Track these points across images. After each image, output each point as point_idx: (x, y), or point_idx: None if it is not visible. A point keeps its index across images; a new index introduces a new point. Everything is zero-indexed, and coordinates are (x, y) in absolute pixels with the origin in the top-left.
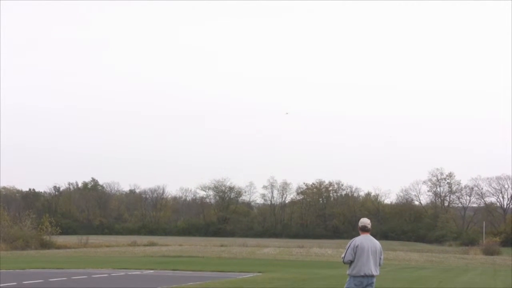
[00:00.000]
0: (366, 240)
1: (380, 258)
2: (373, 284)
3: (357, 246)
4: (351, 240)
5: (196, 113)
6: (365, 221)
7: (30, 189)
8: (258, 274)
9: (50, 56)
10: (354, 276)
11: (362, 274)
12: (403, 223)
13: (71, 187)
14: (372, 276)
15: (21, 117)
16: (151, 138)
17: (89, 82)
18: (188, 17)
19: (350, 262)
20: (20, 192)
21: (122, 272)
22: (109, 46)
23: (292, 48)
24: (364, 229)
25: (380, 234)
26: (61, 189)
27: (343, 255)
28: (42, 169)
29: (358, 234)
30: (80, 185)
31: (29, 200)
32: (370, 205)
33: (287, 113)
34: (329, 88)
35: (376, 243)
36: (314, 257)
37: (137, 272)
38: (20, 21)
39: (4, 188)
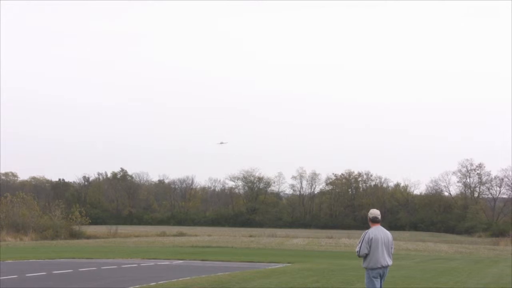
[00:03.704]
0: (378, 232)
1: (392, 248)
2: (387, 273)
3: (371, 239)
4: (364, 233)
5: (225, 104)
6: (375, 212)
7: (59, 179)
8: (288, 264)
9: (85, 47)
10: (372, 269)
11: (379, 266)
12: (432, 214)
13: (100, 177)
14: (388, 266)
15: (53, 108)
16: (179, 128)
17: (122, 74)
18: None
19: (366, 255)
20: (49, 182)
21: (151, 262)
22: (140, 34)
23: (311, 36)
24: (375, 220)
25: (409, 225)
26: (90, 179)
27: (357, 249)
28: (72, 159)
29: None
30: (109, 175)
31: (59, 190)
32: (400, 196)
33: (221, 143)
34: (359, 77)
35: (388, 233)
36: (343, 247)
37: (167, 262)
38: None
39: (34, 178)
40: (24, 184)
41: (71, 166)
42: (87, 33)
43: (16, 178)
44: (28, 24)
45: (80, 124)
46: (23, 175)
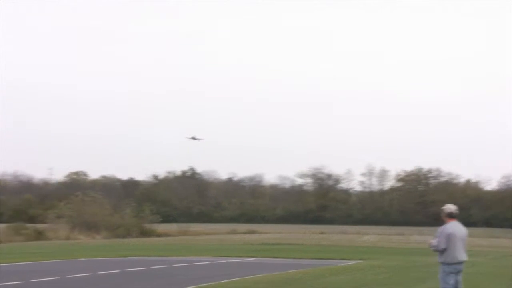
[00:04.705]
0: (455, 227)
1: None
2: (462, 269)
3: (449, 234)
4: (442, 228)
5: (293, 100)
6: (451, 207)
7: (130, 178)
8: (359, 261)
9: (149, 46)
10: (449, 264)
11: (456, 261)
12: (506, 210)
13: (170, 175)
14: (464, 261)
15: (120, 107)
16: (248, 125)
17: (191, 69)
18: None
19: (443, 250)
20: (119, 180)
21: (223, 260)
22: (216, 32)
23: (398, 32)
24: (451, 215)
25: (482, 221)
26: (160, 177)
27: (434, 243)
28: (142, 157)
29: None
30: (178, 173)
31: (129, 189)
32: (471, 192)
33: (193, 138)
34: (428, 71)
35: (464, 229)
36: (415, 244)
37: (238, 260)
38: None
39: (104, 177)
40: (94, 183)
41: (141, 165)
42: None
43: (86, 177)
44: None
45: (149, 123)
46: (94, 174)
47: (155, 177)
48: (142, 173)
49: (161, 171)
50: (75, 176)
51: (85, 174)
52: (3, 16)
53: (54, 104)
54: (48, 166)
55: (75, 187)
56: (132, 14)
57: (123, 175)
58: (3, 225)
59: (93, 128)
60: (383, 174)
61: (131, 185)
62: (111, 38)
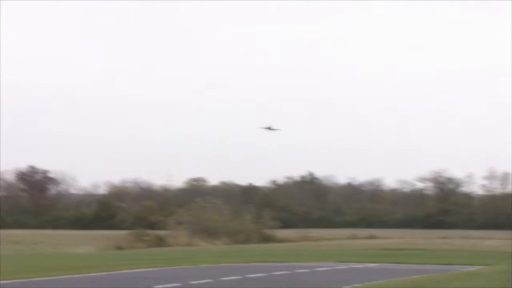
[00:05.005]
0: None
1: None
2: None
3: None
4: None
5: (413, 103)
6: None
7: (249, 184)
8: (483, 267)
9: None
10: None
11: None
12: None
13: (289, 180)
14: None
15: (241, 112)
16: (367, 129)
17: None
18: None
19: None
20: (239, 186)
21: (344, 266)
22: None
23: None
24: None
25: None
26: (279, 183)
27: None
28: (261, 163)
29: None
30: (297, 178)
31: (249, 195)
32: None
33: (269, 128)
34: None
35: None
36: None
37: (360, 266)
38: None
39: (223, 183)
40: (214, 189)
41: (260, 170)
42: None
43: (206, 183)
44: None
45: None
46: (213, 180)
47: (274, 182)
48: (261, 179)
49: (280, 177)
50: (194, 183)
51: (204, 180)
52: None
53: (172, 112)
54: (168, 173)
55: (195, 194)
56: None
57: (242, 181)
58: (125, 232)
59: (211, 134)
60: (505, 177)
61: (250, 190)
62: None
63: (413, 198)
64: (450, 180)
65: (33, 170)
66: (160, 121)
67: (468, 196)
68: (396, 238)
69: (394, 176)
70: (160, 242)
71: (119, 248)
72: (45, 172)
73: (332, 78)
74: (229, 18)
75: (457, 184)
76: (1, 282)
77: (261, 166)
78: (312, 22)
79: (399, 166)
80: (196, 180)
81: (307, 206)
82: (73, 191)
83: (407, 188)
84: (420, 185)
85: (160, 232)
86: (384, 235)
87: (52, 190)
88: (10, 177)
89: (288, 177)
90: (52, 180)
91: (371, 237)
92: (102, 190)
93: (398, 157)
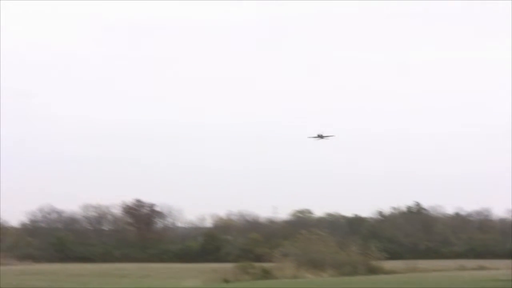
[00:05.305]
0: None
1: None
2: None
3: None
4: None
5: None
6: None
7: (354, 215)
8: None
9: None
10: None
11: None
12: None
13: (395, 211)
14: None
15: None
16: (471, 157)
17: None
18: None
19: None
20: (344, 217)
21: None
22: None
23: None
24: None
25: None
26: (385, 213)
27: None
28: (367, 193)
29: None
30: (404, 209)
31: (354, 226)
32: None
33: (321, 137)
34: None
35: None
36: None
37: None
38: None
39: (328, 214)
40: (319, 220)
41: (365, 201)
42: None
43: (311, 215)
44: None
45: (368, 158)
46: (318, 211)
47: (380, 213)
48: (366, 209)
49: (386, 207)
50: (300, 214)
51: (309, 212)
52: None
53: (273, 142)
54: (273, 205)
55: (300, 225)
56: None
57: (348, 212)
58: (231, 265)
59: (315, 165)
60: None
61: (356, 221)
62: None
63: None
64: None
65: (139, 204)
66: (263, 152)
67: None
68: (506, 269)
69: (503, 206)
70: (266, 274)
71: (226, 281)
72: (151, 205)
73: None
74: None
75: None
76: None
77: (366, 196)
78: None
79: (508, 195)
80: (302, 211)
81: (414, 237)
82: (179, 224)
83: None
84: None
85: (266, 265)
86: (494, 266)
87: (158, 223)
88: (117, 211)
89: (394, 208)
90: (158, 214)
91: (481, 268)
92: (208, 223)
93: (507, 186)
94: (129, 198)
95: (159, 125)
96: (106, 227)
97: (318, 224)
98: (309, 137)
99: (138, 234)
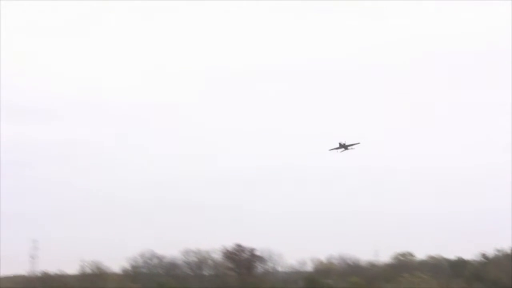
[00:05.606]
0: None
1: None
2: None
3: None
4: None
5: None
6: None
7: (457, 257)
8: None
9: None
10: None
11: None
12: None
13: (499, 253)
14: None
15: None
16: None
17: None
18: None
19: None
20: (447, 260)
21: None
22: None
23: None
24: None
25: None
26: (488, 255)
27: None
28: (469, 234)
29: None
30: (508, 251)
31: (457, 268)
32: None
33: (345, 147)
34: None
35: None
36: None
37: None
38: None
39: (431, 257)
40: (421, 263)
41: (468, 242)
42: None
43: (413, 258)
44: None
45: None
46: (420, 254)
47: (484, 255)
48: (469, 252)
49: (490, 249)
50: (401, 257)
51: (411, 254)
52: None
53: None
54: (374, 248)
55: (402, 268)
56: None
57: (450, 254)
58: None
59: (415, 208)
60: None
61: (459, 264)
62: None
63: None
64: None
65: (239, 249)
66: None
67: None
68: None
69: None
70: None
71: None
72: (251, 250)
73: None
74: None
75: None
76: None
77: (468, 237)
78: None
79: None
80: (403, 254)
81: None
82: (279, 268)
83: None
84: None
85: None
86: None
87: (259, 268)
88: (218, 256)
89: (498, 250)
90: (259, 258)
91: None
92: (309, 266)
93: None
94: (229, 242)
95: (260, 172)
96: (206, 272)
97: (420, 267)
98: (331, 149)
99: (239, 279)
